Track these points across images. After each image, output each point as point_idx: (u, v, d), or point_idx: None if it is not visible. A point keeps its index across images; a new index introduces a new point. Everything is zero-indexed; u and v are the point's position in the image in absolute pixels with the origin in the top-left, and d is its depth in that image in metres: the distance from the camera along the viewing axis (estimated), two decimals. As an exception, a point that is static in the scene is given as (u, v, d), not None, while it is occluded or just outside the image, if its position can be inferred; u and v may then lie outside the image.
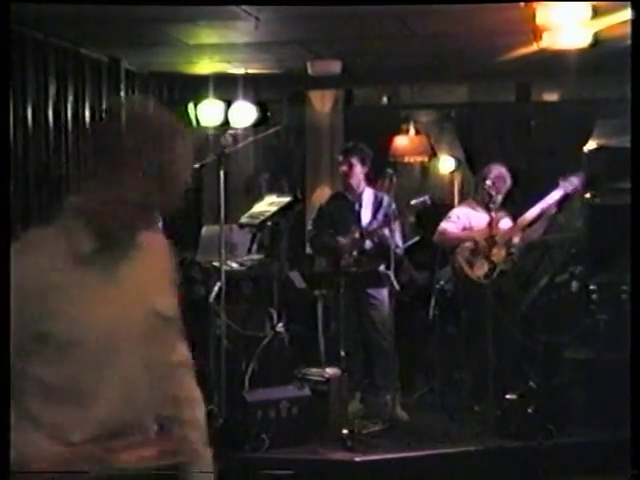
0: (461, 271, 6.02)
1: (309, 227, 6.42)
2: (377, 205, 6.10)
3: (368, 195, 6.11)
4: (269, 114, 7.33)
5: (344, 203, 6.17)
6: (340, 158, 6.20)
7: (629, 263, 3.88)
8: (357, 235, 5.98)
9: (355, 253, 5.95)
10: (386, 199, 6.09)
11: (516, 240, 6.05)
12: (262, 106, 7.39)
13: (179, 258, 5.82)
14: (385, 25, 5.72)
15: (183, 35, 6.10)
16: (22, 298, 2.00)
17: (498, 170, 6.11)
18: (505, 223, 6.09)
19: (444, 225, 6.12)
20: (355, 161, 6.07)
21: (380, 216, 6.05)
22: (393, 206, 6.07)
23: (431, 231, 6.21)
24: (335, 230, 6.05)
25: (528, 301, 6.54)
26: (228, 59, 6.88)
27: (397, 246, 5.98)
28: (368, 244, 5.99)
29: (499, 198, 6.09)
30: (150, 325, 2.17)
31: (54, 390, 2.04)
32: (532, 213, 6.03)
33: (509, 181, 6.13)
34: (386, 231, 5.92)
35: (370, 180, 6.21)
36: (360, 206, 6.10)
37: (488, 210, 5.93)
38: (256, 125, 7.37)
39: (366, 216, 6.07)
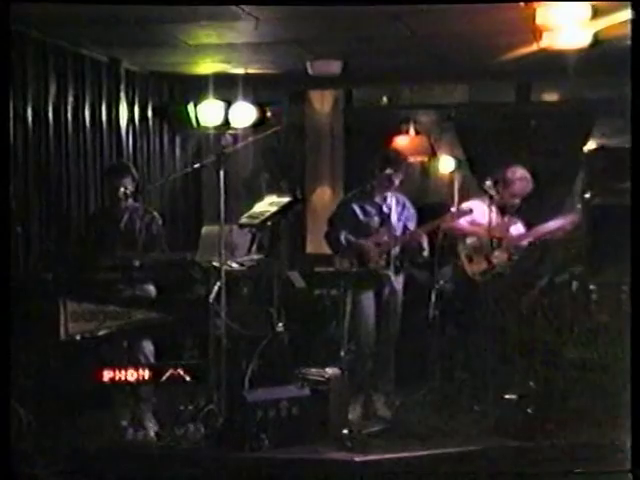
0: (461, 267, 6.03)
1: (329, 224, 6.24)
2: (401, 208, 6.10)
3: (391, 197, 6.09)
4: (269, 114, 7.34)
5: (372, 204, 6.10)
6: (385, 166, 6.03)
7: (629, 263, 3.90)
8: (386, 238, 5.95)
9: (385, 256, 5.94)
10: (407, 202, 6.10)
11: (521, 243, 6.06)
12: (262, 106, 7.41)
13: (178, 258, 5.86)
14: (385, 25, 5.72)
15: (183, 35, 6.10)
16: None
17: (521, 173, 6.09)
18: (515, 229, 6.09)
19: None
20: (394, 173, 6.01)
21: (403, 220, 6.06)
22: (413, 210, 6.09)
23: (433, 230, 6.19)
24: (359, 231, 6.00)
25: (528, 301, 6.54)
26: (228, 59, 6.89)
27: (424, 249, 5.96)
28: (396, 248, 5.96)
29: (517, 201, 6.08)
30: None
31: None
32: (548, 228, 6.02)
33: (531, 185, 6.11)
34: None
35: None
36: (389, 209, 6.07)
37: (502, 212, 5.88)
38: (256, 125, 7.39)
39: (394, 220, 6.05)
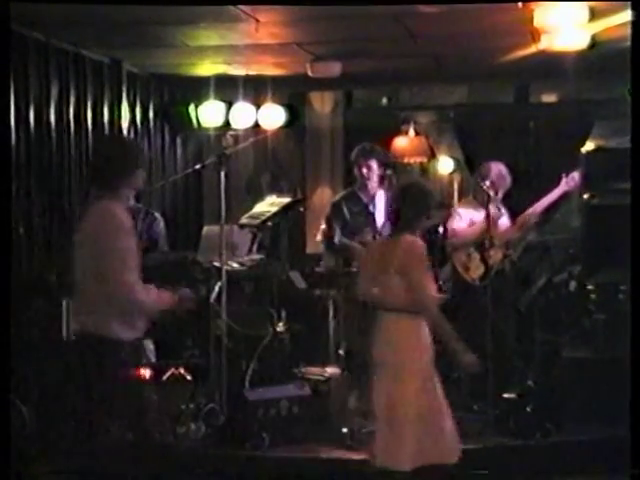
0: (458, 273, 6.05)
1: (323, 224, 6.29)
2: (389, 207, 6.10)
3: (380, 197, 6.13)
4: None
5: (358, 204, 6.15)
6: (359, 159, 6.12)
7: (627, 263, 3.92)
8: (370, 237, 5.98)
9: None
10: None
11: (513, 237, 6.08)
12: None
13: (179, 258, 5.88)
14: (384, 27, 5.75)
15: (184, 37, 6.13)
16: None
17: (497, 168, 6.11)
18: (502, 223, 6.10)
19: (454, 225, 6.12)
20: (374, 164, 6.06)
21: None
22: None
23: (430, 231, 6.21)
24: (347, 230, 6.05)
25: (526, 301, 6.57)
26: (229, 61, 6.91)
27: None
28: None
29: (499, 197, 6.10)
30: None
31: None
32: (534, 211, 6.06)
33: (509, 179, 6.14)
34: None
35: (382, 182, 6.17)
36: (374, 208, 6.10)
37: (487, 210, 5.90)
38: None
39: (380, 219, 6.08)
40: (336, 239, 6.09)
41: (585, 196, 6.25)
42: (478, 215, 6.07)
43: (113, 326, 3.81)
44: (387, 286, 4.34)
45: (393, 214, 4.51)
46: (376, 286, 4.40)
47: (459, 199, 7.53)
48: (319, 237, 6.29)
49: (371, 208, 6.11)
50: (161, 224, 6.15)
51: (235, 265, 5.99)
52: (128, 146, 4.32)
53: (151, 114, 7.54)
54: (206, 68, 7.15)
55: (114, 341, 3.82)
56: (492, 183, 6.00)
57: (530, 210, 6.11)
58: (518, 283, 6.33)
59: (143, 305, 3.89)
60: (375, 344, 4.41)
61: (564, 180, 6.12)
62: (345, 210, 6.15)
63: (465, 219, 6.13)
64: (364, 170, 6.09)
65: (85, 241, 3.92)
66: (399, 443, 4.21)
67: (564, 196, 6.23)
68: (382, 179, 6.14)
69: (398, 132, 8.58)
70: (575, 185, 6.12)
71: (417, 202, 4.43)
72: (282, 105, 7.53)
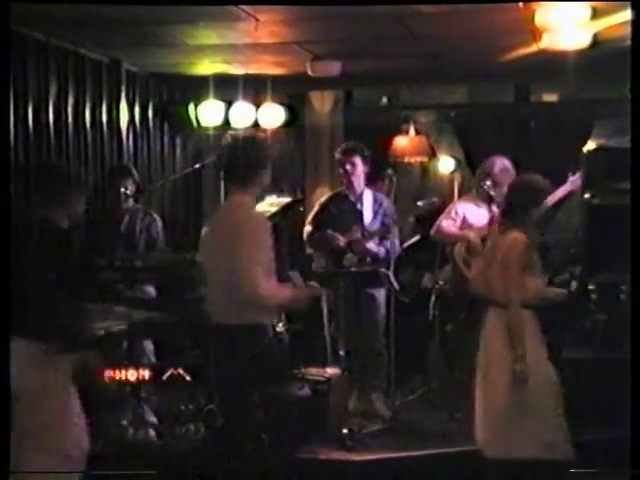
0: (459, 271, 6.04)
1: (307, 224, 6.38)
2: (377, 206, 6.14)
3: (368, 196, 6.15)
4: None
5: (346, 203, 6.18)
6: (342, 157, 6.17)
7: (628, 263, 3.91)
8: (359, 235, 6.00)
9: (359, 252, 5.99)
10: (385, 201, 6.13)
11: None
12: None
13: (179, 258, 5.87)
14: (384, 26, 5.74)
15: (184, 36, 6.12)
16: None
17: (502, 162, 6.07)
18: None
19: (443, 221, 6.12)
20: (358, 160, 6.09)
21: (380, 217, 6.09)
22: (392, 208, 6.12)
23: (428, 231, 6.23)
24: (335, 229, 6.07)
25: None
26: (228, 60, 6.91)
27: (389, 250, 6.00)
28: (371, 245, 6.02)
29: (503, 191, 6.07)
30: None
31: None
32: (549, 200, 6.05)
33: (513, 173, 6.11)
34: (388, 233, 5.97)
35: (370, 180, 6.23)
36: (362, 206, 6.13)
37: (490, 208, 5.89)
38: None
39: (368, 217, 6.11)
40: (315, 233, 6.15)
41: (585, 196, 6.24)
42: (478, 211, 6.05)
43: (241, 313, 4.02)
44: (492, 280, 4.50)
45: (503, 208, 4.67)
46: (486, 279, 4.56)
47: (459, 198, 7.51)
48: (304, 237, 6.35)
49: (359, 207, 6.15)
50: (159, 224, 6.15)
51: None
52: (259, 145, 4.36)
53: (150, 113, 7.54)
54: (205, 67, 7.14)
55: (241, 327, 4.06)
56: (496, 178, 5.97)
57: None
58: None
59: (263, 300, 4.06)
60: (481, 339, 4.58)
61: (570, 179, 6.10)
62: (333, 209, 6.19)
63: (459, 215, 6.12)
64: (348, 167, 6.12)
65: (217, 233, 4.17)
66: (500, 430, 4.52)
67: (568, 196, 6.21)
68: (369, 177, 6.18)
69: (398, 131, 8.59)
70: (579, 186, 6.10)
71: (526, 196, 4.57)
72: (282, 104, 7.54)
